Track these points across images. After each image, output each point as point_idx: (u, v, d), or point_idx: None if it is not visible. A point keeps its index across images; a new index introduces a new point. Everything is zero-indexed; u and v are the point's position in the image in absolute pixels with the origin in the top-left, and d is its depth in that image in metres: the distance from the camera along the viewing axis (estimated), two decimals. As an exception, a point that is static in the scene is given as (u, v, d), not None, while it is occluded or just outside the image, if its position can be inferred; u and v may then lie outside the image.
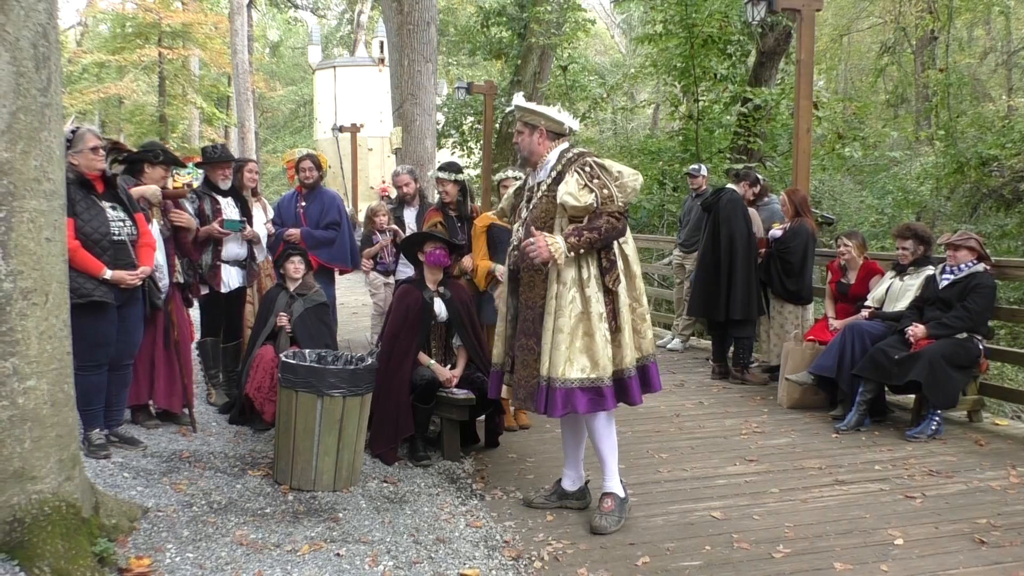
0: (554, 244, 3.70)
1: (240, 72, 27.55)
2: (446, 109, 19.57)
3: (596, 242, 3.76)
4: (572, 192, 3.75)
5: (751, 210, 7.30)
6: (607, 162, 3.92)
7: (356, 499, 4.28)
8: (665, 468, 4.92)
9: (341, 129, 23.23)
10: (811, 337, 6.53)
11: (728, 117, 13.90)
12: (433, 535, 3.89)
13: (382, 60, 29.10)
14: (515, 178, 6.19)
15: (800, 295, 6.97)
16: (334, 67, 34.67)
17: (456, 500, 4.40)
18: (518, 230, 4.04)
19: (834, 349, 5.93)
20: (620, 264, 3.91)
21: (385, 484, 4.56)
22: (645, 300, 4.05)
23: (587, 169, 3.81)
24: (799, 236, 6.84)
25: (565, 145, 4.03)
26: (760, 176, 7.99)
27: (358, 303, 11.45)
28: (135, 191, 4.88)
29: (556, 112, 4.02)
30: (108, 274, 4.37)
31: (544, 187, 3.96)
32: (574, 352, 3.79)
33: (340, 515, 4.03)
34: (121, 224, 4.54)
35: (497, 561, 3.64)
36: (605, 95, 17.44)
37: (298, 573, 3.34)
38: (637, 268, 4.05)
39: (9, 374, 3.08)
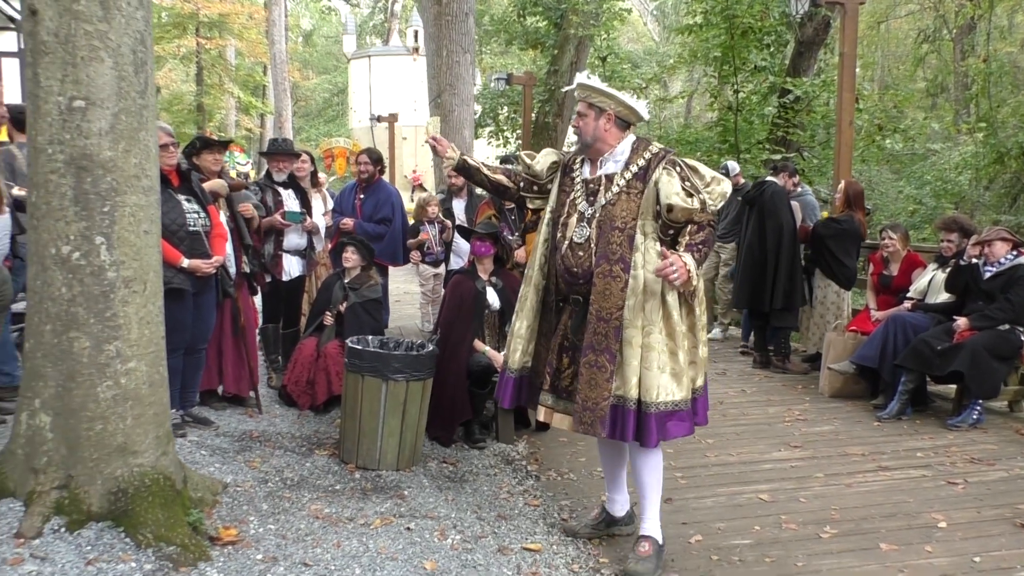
0: (691, 265, 3.21)
1: (277, 62, 27.93)
2: (482, 99, 19.72)
3: (707, 257, 3.40)
4: (678, 192, 3.32)
5: (792, 202, 7.42)
6: (697, 164, 3.50)
7: (419, 478, 4.50)
8: (712, 453, 5.10)
9: (379, 119, 23.48)
10: (853, 328, 6.66)
11: (768, 108, 13.92)
12: (494, 512, 4.11)
13: (416, 49, 29.31)
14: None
15: (846, 277, 7.08)
16: (369, 56, 34.92)
17: (513, 480, 4.61)
18: (583, 226, 3.52)
19: (877, 339, 6.06)
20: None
21: (445, 464, 4.79)
22: (704, 318, 3.65)
23: (679, 170, 3.41)
24: (844, 231, 6.93)
25: (635, 137, 3.58)
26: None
27: (401, 291, 11.70)
28: (206, 185, 5.12)
29: (629, 97, 3.54)
30: (185, 263, 4.62)
31: (622, 182, 3.47)
32: (663, 372, 3.37)
33: (405, 492, 4.25)
34: (196, 216, 4.79)
35: (557, 537, 3.85)
36: (644, 85, 17.50)
37: (373, 544, 3.56)
38: (700, 282, 3.57)
39: (113, 356, 3.33)
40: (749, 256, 7.27)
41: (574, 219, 3.57)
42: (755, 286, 7.18)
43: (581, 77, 3.57)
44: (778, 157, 11.97)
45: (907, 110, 17.01)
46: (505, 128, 20.15)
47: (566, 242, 3.56)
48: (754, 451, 5.14)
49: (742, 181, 8.72)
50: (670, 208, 3.33)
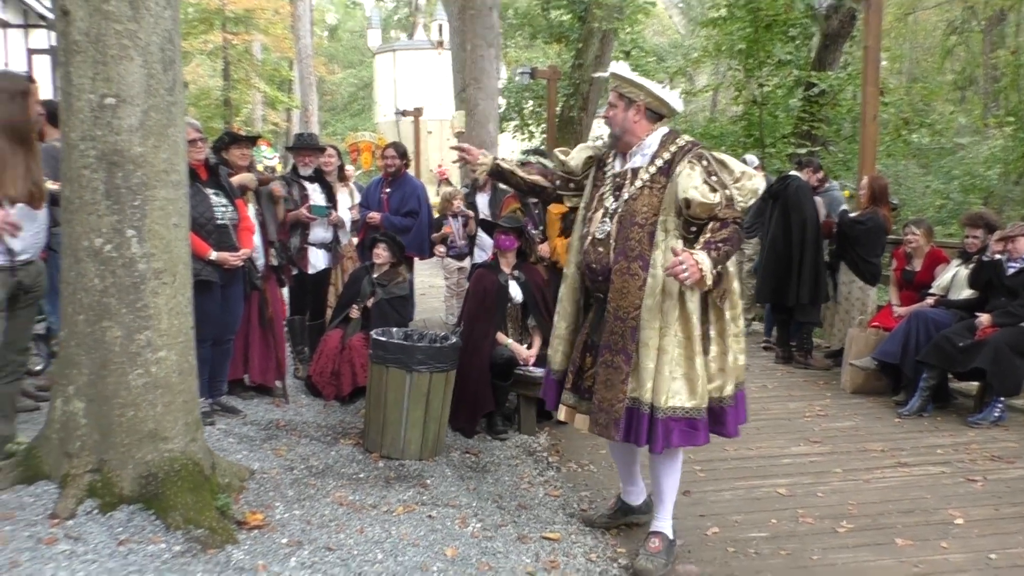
0: (703, 263, 3.06)
1: (303, 57, 28.11)
2: (507, 93, 19.77)
3: (729, 256, 3.22)
4: (697, 186, 3.19)
5: (816, 198, 7.41)
6: (726, 158, 3.38)
7: (441, 468, 4.58)
8: (731, 447, 5.12)
9: (404, 113, 23.60)
10: (875, 323, 6.65)
11: (793, 101, 13.86)
12: (515, 501, 4.18)
13: (441, 43, 29.43)
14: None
15: (871, 272, 7.07)
16: (394, 51, 35.15)
17: (534, 471, 4.68)
18: (604, 222, 3.44)
19: (899, 335, 6.05)
20: (724, 278, 3.32)
21: (467, 455, 4.86)
22: (742, 321, 3.52)
23: (705, 163, 3.27)
24: (867, 230, 6.92)
25: (666, 129, 3.45)
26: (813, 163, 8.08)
27: (426, 285, 11.81)
28: (234, 179, 5.22)
29: (660, 88, 3.43)
30: (213, 255, 4.72)
31: (646, 176, 3.36)
32: (675, 377, 3.29)
33: (428, 481, 4.33)
34: (224, 209, 4.89)
35: (576, 527, 3.91)
36: (669, 79, 17.46)
37: (396, 531, 3.64)
38: (736, 283, 3.44)
39: (144, 345, 3.43)
40: (772, 251, 7.27)
41: (599, 214, 3.48)
42: (778, 281, 7.18)
43: (615, 66, 3.48)
44: (803, 151, 11.93)
45: (935, 103, 16.85)
46: (530, 122, 20.17)
47: (589, 238, 3.50)
48: (773, 446, 5.17)
49: (762, 174, 8.69)
50: (688, 203, 3.21)
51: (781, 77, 14.05)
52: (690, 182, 3.21)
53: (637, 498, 3.85)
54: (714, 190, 3.21)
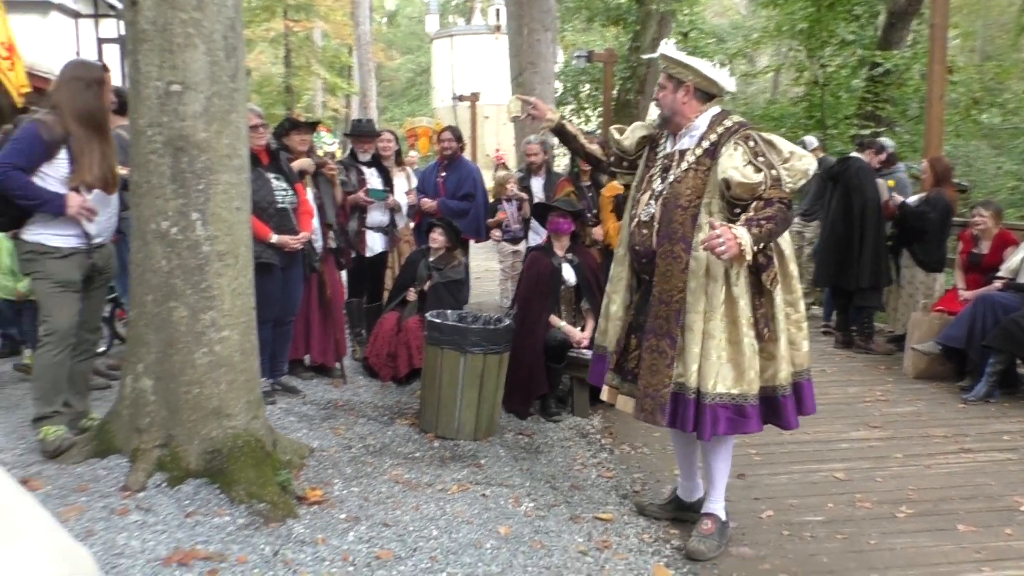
0: (743, 238, 2.98)
1: (362, 43, 28.38)
2: (563, 76, 19.69)
3: (773, 234, 3.13)
4: (738, 167, 3.12)
5: (878, 180, 7.25)
6: (776, 138, 3.29)
7: (495, 448, 4.64)
8: (788, 431, 5.07)
9: (460, 98, 23.68)
10: (940, 307, 6.50)
11: (856, 82, 13.52)
12: (568, 482, 4.21)
13: (498, 28, 29.39)
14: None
15: (933, 262, 6.92)
16: (451, 36, 35.23)
17: (587, 453, 4.70)
18: (650, 203, 3.41)
19: (964, 320, 5.90)
20: (776, 261, 3.27)
21: (521, 436, 4.91)
22: (802, 305, 3.40)
23: (751, 144, 3.20)
24: (936, 207, 6.76)
25: (717, 110, 3.40)
26: (890, 144, 7.88)
27: (481, 268, 11.87)
28: (294, 164, 5.33)
29: (709, 67, 3.38)
30: (274, 238, 4.84)
31: (692, 158, 3.32)
32: (721, 362, 3.22)
33: (482, 461, 4.39)
34: (284, 193, 5.00)
35: (628, 508, 3.93)
36: (727, 61, 17.18)
37: (450, 508, 3.71)
38: (793, 266, 3.38)
39: (208, 325, 3.55)
40: (832, 233, 7.14)
41: (646, 196, 3.45)
42: (838, 265, 7.06)
43: (664, 47, 3.43)
44: (867, 132, 11.65)
45: (1008, 82, 16.25)
46: (586, 106, 20.09)
47: (635, 220, 3.47)
48: (831, 430, 5.10)
49: (822, 155, 8.52)
50: (728, 183, 3.14)
51: (844, 57, 13.70)
52: (731, 162, 3.15)
53: (692, 495, 3.79)
54: (758, 170, 3.13)
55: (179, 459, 3.51)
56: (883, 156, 7.55)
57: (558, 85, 18.74)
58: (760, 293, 3.26)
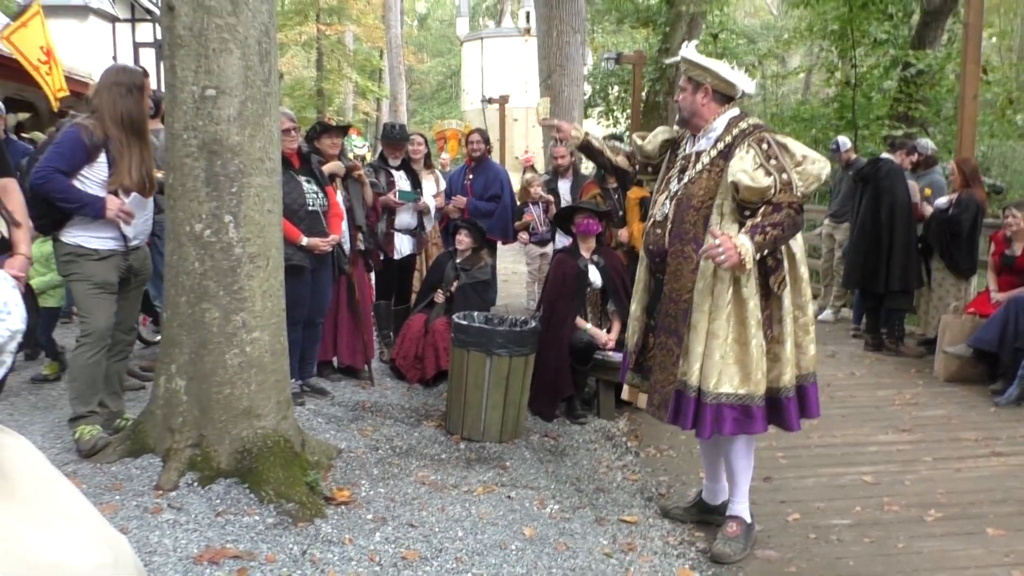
0: (743, 247, 3.04)
1: (393, 47, 28.61)
2: (592, 79, 19.69)
3: (779, 240, 3.15)
4: (747, 170, 3.13)
5: (910, 181, 7.19)
6: (790, 142, 3.28)
7: (521, 450, 4.67)
8: (815, 434, 5.05)
9: (490, 101, 23.76)
10: (971, 310, 6.42)
11: (888, 82, 13.38)
12: (593, 485, 4.23)
13: (528, 30, 29.44)
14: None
15: (965, 267, 6.84)
16: (481, 39, 35.36)
17: (612, 455, 4.72)
18: (664, 204, 3.47)
19: (996, 322, 5.83)
20: (785, 264, 3.28)
21: (546, 438, 4.94)
22: (811, 309, 3.42)
23: (764, 147, 3.19)
24: (967, 208, 6.69)
25: (736, 112, 3.41)
26: (928, 146, 7.80)
27: (509, 271, 11.92)
28: (325, 167, 5.40)
29: (727, 69, 3.41)
30: (304, 241, 4.90)
31: (706, 159, 3.35)
32: (726, 362, 3.25)
33: (507, 463, 4.42)
34: (315, 196, 5.07)
35: (653, 510, 3.94)
36: (757, 62, 17.09)
37: (475, 510, 3.74)
38: (804, 269, 3.37)
39: (239, 326, 3.62)
40: (861, 235, 7.09)
41: (663, 196, 3.51)
42: (867, 267, 7.00)
43: (685, 50, 3.46)
44: (899, 133, 11.53)
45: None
46: (615, 107, 20.07)
47: (651, 220, 3.54)
48: (860, 433, 5.07)
49: (854, 157, 8.44)
50: (736, 186, 3.17)
51: (877, 57, 13.57)
52: (740, 165, 3.16)
53: (717, 498, 3.77)
54: (768, 174, 3.14)
55: (210, 459, 3.58)
56: (915, 157, 7.48)
57: (587, 87, 18.75)
58: (768, 295, 3.27)
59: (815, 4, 13.72)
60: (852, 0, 12.79)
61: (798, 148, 3.26)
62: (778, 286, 3.25)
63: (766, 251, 3.13)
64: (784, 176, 3.16)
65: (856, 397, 5.88)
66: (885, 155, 7.31)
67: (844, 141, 8.49)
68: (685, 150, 3.53)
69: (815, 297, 9.67)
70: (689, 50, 3.45)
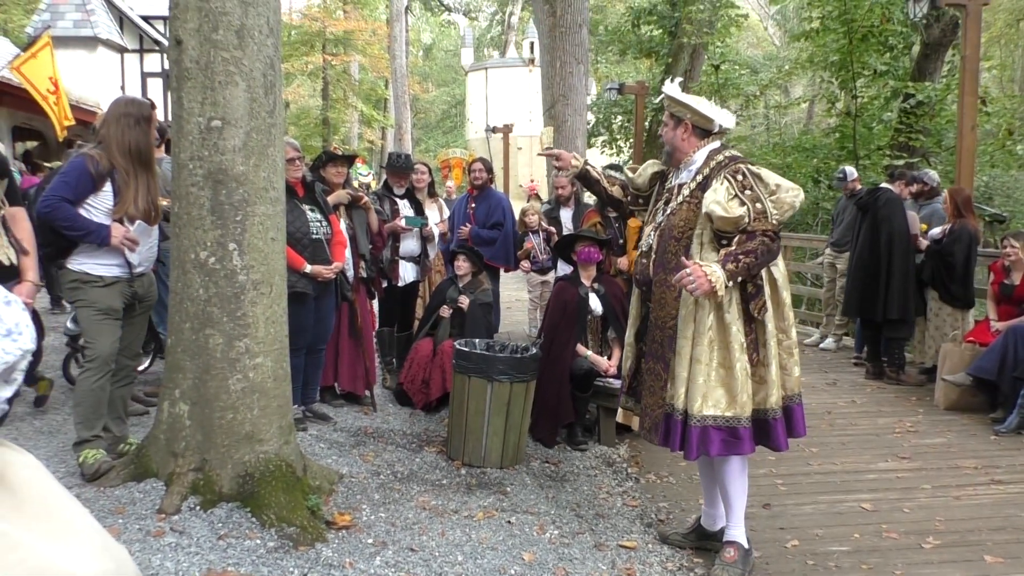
0: (713, 275, 3.17)
1: (398, 76, 28.88)
2: (595, 108, 19.88)
3: (753, 267, 3.25)
4: (720, 201, 3.27)
5: (909, 212, 7.25)
6: (764, 172, 3.40)
7: (521, 476, 4.69)
8: (815, 462, 5.07)
9: (494, 130, 23.97)
10: (971, 338, 6.45)
11: (888, 113, 13.50)
12: (593, 510, 4.25)
13: (532, 60, 29.79)
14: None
15: (962, 299, 6.88)
16: (486, 69, 35.74)
17: (613, 481, 4.74)
18: (649, 235, 3.62)
19: (996, 351, 5.87)
20: (767, 290, 3.38)
21: (547, 464, 4.96)
22: (794, 332, 3.50)
23: (739, 177, 3.33)
24: (960, 239, 6.75)
25: (716, 145, 3.55)
26: (932, 177, 7.86)
27: (512, 299, 11.97)
28: (329, 197, 5.47)
29: (707, 106, 3.55)
30: (308, 268, 4.97)
31: (687, 191, 3.49)
32: (711, 385, 3.34)
33: (508, 489, 4.45)
34: (318, 224, 5.14)
35: (652, 536, 3.96)
36: (758, 93, 17.25)
37: (475, 535, 3.76)
38: (786, 294, 3.47)
39: (242, 352, 3.67)
40: (859, 264, 7.14)
41: (649, 227, 3.68)
42: (865, 296, 7.05)
43: (667, 87, 3.63)
44: (900, 163, 11.62)
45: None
46: (618, 137, 20.23)
47: (639, 250, 3.69)
48: (859, 461, 5.08)
49: (859, 187, 8.50)
50: (710, 217, 3.30)
51: (877, 88, 13.70)
52: (713, 196, 3.30)
53: (716, 524, 3.80)
54: (743, 204, 3.26)
55: (212, 483, 3.61)
56: (914, 187, 7.54)
57: (591, 116, 18.93)
58: (751, 319, 3.36)
59: (816, 36, 13.88)
60: (853, 32, 12.94)
61: (772, 178, 3.38)
62: (758, 311, 3.33)
63: (740, 278, 3.24)
64: (758, 205, 3.28)
65: (856, 425, 5.90)
66: (884, 184, 7.38)
67: (851, 171, 8.56)
68: (670, 182, 3.68)
69: (816, 325, 9.76)
70: (671, 87, 3.62)
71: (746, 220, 3.25)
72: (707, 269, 3.18)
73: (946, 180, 12.79)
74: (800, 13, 23.86)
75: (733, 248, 3.26)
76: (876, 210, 7.05)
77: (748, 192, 3.30)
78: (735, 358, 3.31)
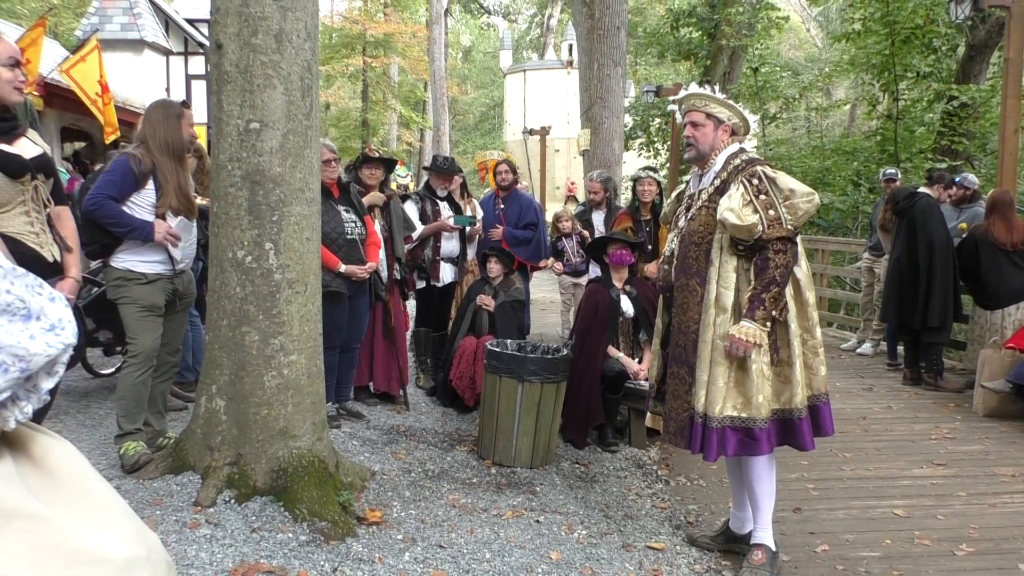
0: (747, 332, 3.27)
1: (437, 78, 29.07)
2: (633, 111, 19.84)
3: (780, 295, 3.30)
4: (734, 208, 3.27)
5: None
6: (780, 175, 3.37)
7: (551, 476, 4.72)
8: (848, 467, 5.03)
9: (531, 132, 24.00)
10: (1011, 344, 6.34)
11: (931, 116, 13.30)
12: (622, 512, 4.27)
13: (570, 63, 29.76)
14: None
15: (980, 299, 6.80)
16: (524, 71, 35.77)
17: (642, 483, 4.75)
18: (672, 240, 3.65)
19: (1036, 358, 5.77)
20: (789, 290, 3.38)
21: (577, 465, 4.98)
22: (819, 331, 3.48)
23: (755, 182, 3.32)
24: (967, 241, 6.70)
25: (734, 148, 3.52)
26: (970, 179, 7.76)
27: (546, 300, 12.02)
28: (365, 198, 5.56)
29: (740, 108, 3.57)
30: (343, 268, 5.05)
31: (705, 196, 3.50)
32: (729, 387, 3.38)
33: (537, 489, 4.48)
34: (353, 225, 5.22)
35: (681, 538, 3.96)
36: (798, 95, 17.09)
37: (504, 533, 3.80)
38: (810, 295, 3.46)
39: (277, 350, 3.75)
40: (897, 269, 7.05)
41: (672, 233, 3.71)
42: (903, 302, 6.95)
43: (694, 87, 3.60)
44: (943, 166, 11.45)
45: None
46: (656, 139, 20.16)
47: (663, 257, 3.73)
48: (893, 467, 5.03)
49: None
50: (722, 224, 3.34)
51: (920, 90, 13.50)
52: (728, 203, 3.30)
53: (744, 526, 3.79)
54: (756, 211, 3.26)
55: (247, 477, 3.70)
56: (953, 191, 7.44)
57: (628, 119, 18.89)
58: (770, 322, 3.35)
59: (857, 38, 13.72)
60: (895, 34, 12.77)
61: (786, 183, 3.35)
62: (780, 312, 3.34)
63: (775, 312, 3.29)
64: (771, 212, 3.28)
65: (892, 431, 5.84)
66: (923, 189, 7.28)
67: (894, 172, 8.53)
68: (691, 188, 3.69)
69: (854, 330, 9.65)
70: (705, 88, 3.58)
71: (759, 228, 3.26)
72: (741, 332, 3.27)
73: (989, 185, 12.58)
74: (842, 15, 23.60)
75: (752, 290, 3.30)
76: (913, 216, 6.96)
77: (763, 197, 3.29)
78: (750, 360, 3.33)
